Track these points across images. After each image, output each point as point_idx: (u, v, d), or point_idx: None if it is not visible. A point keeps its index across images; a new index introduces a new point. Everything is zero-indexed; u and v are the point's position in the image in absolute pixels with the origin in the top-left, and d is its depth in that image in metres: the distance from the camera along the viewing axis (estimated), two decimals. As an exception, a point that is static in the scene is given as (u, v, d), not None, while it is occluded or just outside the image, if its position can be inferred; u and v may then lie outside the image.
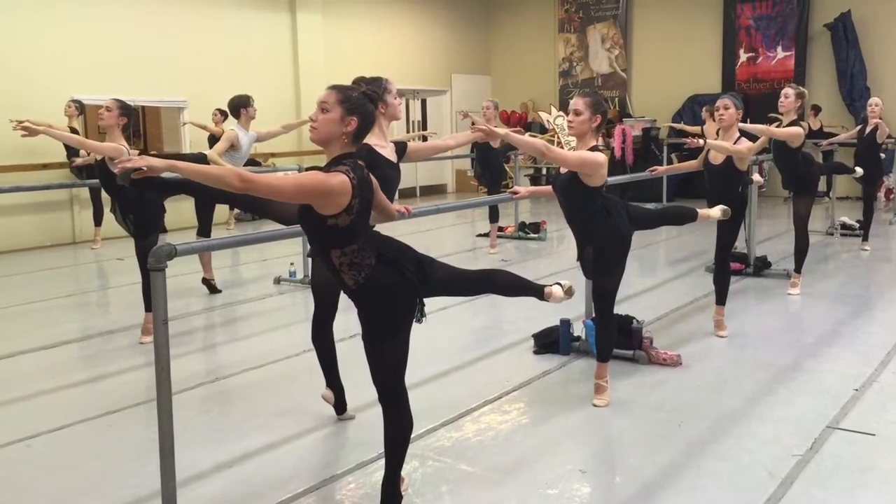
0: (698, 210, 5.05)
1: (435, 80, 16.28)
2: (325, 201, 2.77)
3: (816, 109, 13.44)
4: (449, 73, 16.59)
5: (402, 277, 2.97)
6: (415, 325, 3.07)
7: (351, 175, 2.81)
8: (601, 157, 4.13)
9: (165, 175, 4.20)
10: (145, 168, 2.73)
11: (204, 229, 7.28)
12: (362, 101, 2.92)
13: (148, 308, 5.69)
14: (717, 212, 5.10)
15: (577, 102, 4.21)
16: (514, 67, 17.04)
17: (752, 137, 6.34)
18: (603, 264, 4.37)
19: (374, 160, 3.76)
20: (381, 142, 3.95)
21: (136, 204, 5.55)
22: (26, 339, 5.94)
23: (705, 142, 5.49)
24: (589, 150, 4.16)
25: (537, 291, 3.63)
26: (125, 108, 5.50)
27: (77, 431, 4.22)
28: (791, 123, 6.49)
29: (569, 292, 3.66)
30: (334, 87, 2.94)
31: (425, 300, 3.11)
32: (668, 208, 5.18)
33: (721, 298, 5.74)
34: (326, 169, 2.85)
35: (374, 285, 2.92)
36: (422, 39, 15.86)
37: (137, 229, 5.59)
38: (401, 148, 4.13)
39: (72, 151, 9.60)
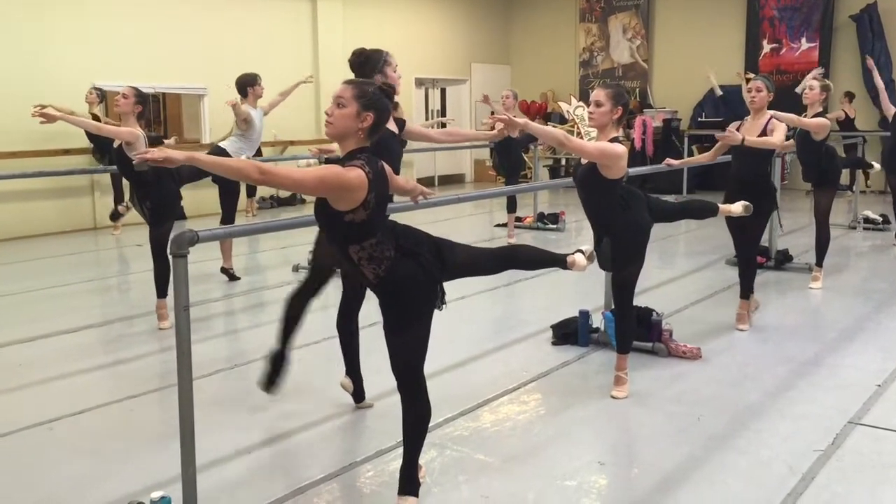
0: (719, 205, 5.01)
1: (455, 70, 16.24)
2: (342, 195, 2.77)
3: (850, 96, 13.21)
4: (469, 63, 16.54)
5: (422, 268, 2.97)
6: (434, 314, 3.07)
7: (367, 169, 2.80)
8: (621, 149, 4.10)
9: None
10: (163, 159, 2.72)
11: (227, 217, 7.30)
12: (379, 96, 2.91)
13: (161, 294, 5.74)
14: (738, 207, 5.05)
15: (598, 94, 4.18)
16: (535, 57, 16.95)
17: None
18: (621, 256, 4.34)
19: None
20: None
21: (153, 191, 5.58)
22: (49, 322, 6.00)
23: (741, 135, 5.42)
24: (609, 141, 4.13)
25: (560, 261, 3.63)
26: (141, 96, 5.55)
27: (98, 415, 4.25)
28: (816, 116, 6.43)
29: (591, 258, 3.67)
30: (351, 82, 2.94)
31: (446, 287, 3.11)
32: (689, 202, 5.14)
33: (745, 292, 5.69)
34: (342, 163, 2.84)
35: (394, 277, 2.92)
36: (442, 29, 15.81)
37: (153, 216, 5.63)
38: (400, 123, 4.12)
39: (97, 145, 9.66)
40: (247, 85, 6.99)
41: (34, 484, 3.49)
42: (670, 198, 12.72)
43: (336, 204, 2.79)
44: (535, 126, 4.16)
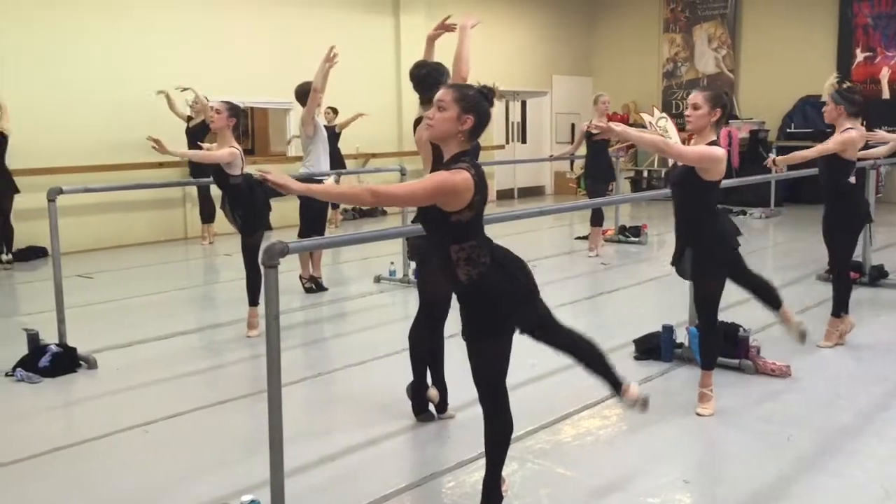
0: (783, 306, 4.65)
1: (535, 82, 16.22)
2: (452, 199, 2.86)
3: None
4: (550, 75, 16.50)
5: (512, 282, 3.01)
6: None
7: (472, 171, 2.89)
8: (720, 152, 4.05)
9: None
10: (281, 185, 2.84)
11: (316, 229, 7.45)
12: (478, 99, 2.97)
13: (252, 302, 5.91)
14: (797, 324, 4.64)
15: (695, 96, 4.14)
16: (617, 68, 16.79)
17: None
18: (706, 266, 4.24)
19: None
20: None
21: (245, 201, 5.77)
22: (144, 329, 6.25)
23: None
24: (707, 144, 4.09)
25: (615, 382, 3.42)
26: (234, 110, 5.72)
27: (190, 419, 4.41)
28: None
29: (644, 405, 3.46)
30: (451, 86, 3.02)
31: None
32: (761, 280, 4.73)
33: (835, 308, 5.52)
34: (447, 167, 2.92)
35: (485, 284, 2.96)
36: (523, 40, 15.82)
37: (245, 226, 5.81)
38: None
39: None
40: (307, 93, 7.11)
41: (130, 484, 3.64)
42: (757, 211, 12.42)
43: (446, 206, 2.88)
44: (634, 133, 4.17)
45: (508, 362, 3.07)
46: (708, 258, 4.24)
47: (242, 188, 5.71)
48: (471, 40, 4.15)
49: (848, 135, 5.25)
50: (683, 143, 4.42)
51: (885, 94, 7.58)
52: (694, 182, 4.12)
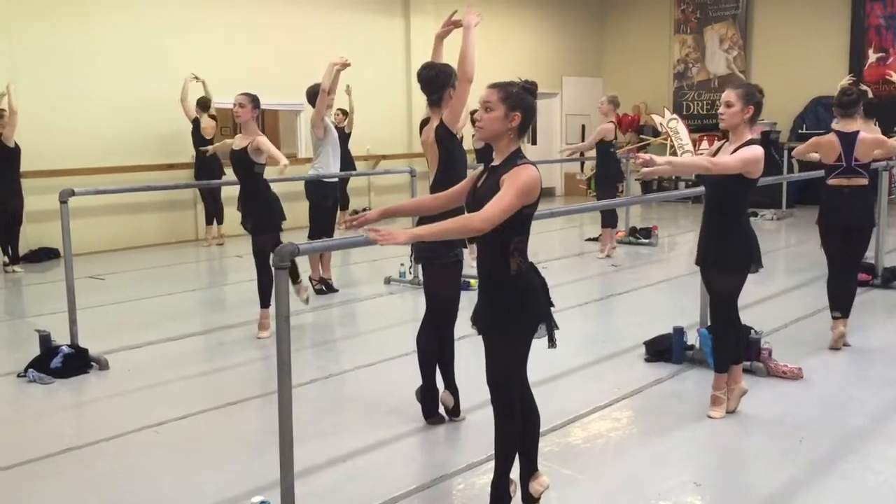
0: (728, 374, 4.36)
1: (545, 83, 16.17)
2: (533, 195, 2.91)
3: None
4: (560, 76, 16.47)
5: (544, 288, 3.08)
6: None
7: (536, 167, 2.94)
8: (759, 152, 4.02)
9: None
10: (388, 239, 2.68)
11: (325, 231, 7.48)
12: (523, 95, 2.99)
13: (263, 304, 5.92)
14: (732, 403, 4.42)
15: (728, 94, 4.11)
16: (627, 69, 16.75)
17: None
18: (737, 261, 4.19)
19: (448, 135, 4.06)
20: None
21: (258, 199, 5.78)
22: (155, 330, 6.27)
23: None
24: (744, 144, 4.06)
25: (532, 467, 3.24)
26: (255, 101, 5.74)
27: (200, 420, 4.42)
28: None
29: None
30: (495, 86, 3.02)
31: None
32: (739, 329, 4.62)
33: (844, 311, 5.50)
34: (508, 164, 2.94)
35: (526, 279, 3.01)
36: (532, 42, 15.81)
37: (254, 225, 5.83)
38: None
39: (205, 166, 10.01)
40: (318, 95, 7.10)
41: (141, 484, 3.65)
42: (768, 213, 12.34)
43: (525, 203, 2.91)
44: (679, 161, 4.22)
45: (521, 369, 3.09)
46: (735, 254, 4.19)
47: (261, 183, 5.75)
48: (475, 39, 4.14)
49: (816, 138, 5.50)
50: (694, 144, 4.44)
51: None
52: (737, 182, 4.07)
